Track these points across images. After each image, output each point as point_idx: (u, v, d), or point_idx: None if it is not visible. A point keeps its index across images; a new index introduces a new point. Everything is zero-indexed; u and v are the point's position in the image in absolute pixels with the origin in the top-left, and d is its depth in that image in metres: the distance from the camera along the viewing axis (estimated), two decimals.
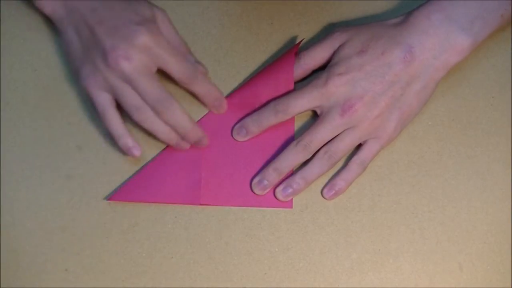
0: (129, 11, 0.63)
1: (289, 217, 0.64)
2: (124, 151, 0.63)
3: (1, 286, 0.62)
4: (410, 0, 0.69)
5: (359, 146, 0.64)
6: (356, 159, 0.64)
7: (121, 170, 0.65)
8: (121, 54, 0.60)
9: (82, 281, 0.62)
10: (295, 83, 0.66)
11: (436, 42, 0.62)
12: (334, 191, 0.64)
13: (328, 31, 0.69)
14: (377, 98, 0.62)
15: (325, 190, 0.64)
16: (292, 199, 0.64)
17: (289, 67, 0.65)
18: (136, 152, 0.63)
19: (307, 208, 0.64)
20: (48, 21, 0.67)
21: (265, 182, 0.64)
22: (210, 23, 0.70)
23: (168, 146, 0.65)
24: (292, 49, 0.66)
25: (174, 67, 0.62)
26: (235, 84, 0.68)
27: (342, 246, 0.63)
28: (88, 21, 0.62)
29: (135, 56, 0.60)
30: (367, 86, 0.62)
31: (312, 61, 0.65)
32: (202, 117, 0.66)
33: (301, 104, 0.63)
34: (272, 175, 0.64)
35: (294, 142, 0.63)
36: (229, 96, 0.67)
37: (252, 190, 0.64)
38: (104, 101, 0.62)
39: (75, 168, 0.65)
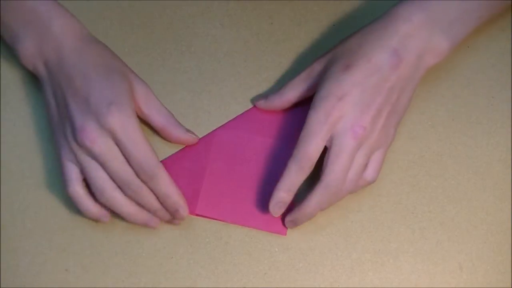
0: (104, 85, 0.60)
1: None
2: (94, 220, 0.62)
3: (1, 286, 0.62)
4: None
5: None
6: (366, 176, 0.61)
7: None
8: (88, 136, 0.58)
9: (82, 281, 0.62)
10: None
11: (419, 44, 0.60)
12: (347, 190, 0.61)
13: (328, 30, 0.69)
14: (380, 110, 0.60)
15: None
16: (287, 228, 0.63)
17: None
18: (105, 219, 0.62)
19: None
20: None
21: (292, 222, 0.62)
22: (210, 23, 0.70)
23: (177, 152, 0.65)
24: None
25: (135, 158, 0.59)
26: (235, 84, 0.68)
27: (342, 246, 0.63)
28: (63, 90, 0.61)
29: (101, 140, 0.59)
30: (369, 101, 0.59)
31: (296, 94, 0.64)
32: (213, 131, 0.66)
33: (318, 145, 0.59)
34: (301, 217, 0.62)
35: (321, 185, 0.59)
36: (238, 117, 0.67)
37: (248, 212, 0.64)
38: (70, 173, 0.60)
39: None
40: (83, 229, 0.63)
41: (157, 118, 0.64)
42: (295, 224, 0.62)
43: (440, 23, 0.61)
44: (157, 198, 0.61)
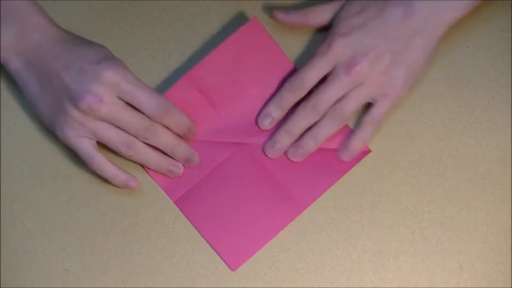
0: (91, 50, 0.61)
1: None
2: (121, 187, 0.63)
3: (1, 286, 0.62)
4: None
5: (369, 106, 0.64)
6: (369, 118, 0.64)
7: None
8: (94, 98, 0.59)
9: (82, 281, 0.62)
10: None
11: None
12: (349, 151, 0.64)
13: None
14: (381, 54, 0.62)
15: (340, 153, 0.64)
16: (241, 265, 0.63)
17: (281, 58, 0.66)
18: (133, 184, 0.63)
19: (307, 208, 0.64)
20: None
21: (278, 145, 0.64)
22: (210, 23, 0.70)
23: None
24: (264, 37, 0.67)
25: (144, 103, 0.61)
26: None
27: (342, 246, 0.63)
28: (53, 69, 0.61)
29: (106, 98, 0.59)
30: (370, 43, 0.62)
31: (317, 20, 0.66)
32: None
33: (314, 75, 0.63)
34: (284, 137, 0.64)
35: (303, 104, 0.64)
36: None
37: (265, 153, 0.64)
38: (87, 148, 0.61)
39: (75, 168, 0.65)
40: (83, 229, 0.63)
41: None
42: (280, 141, 0.64)
43: None
44: (174, 131, 0.63)
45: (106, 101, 0.59)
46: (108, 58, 0.61)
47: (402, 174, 0.65)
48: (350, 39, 0.63)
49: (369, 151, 0.65)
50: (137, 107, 0.61)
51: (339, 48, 0.63)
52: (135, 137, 0.61)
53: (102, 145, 0.62)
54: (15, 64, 0.63)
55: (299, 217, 0.64)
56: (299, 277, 0.62)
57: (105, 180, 0.64)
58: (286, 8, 0.67)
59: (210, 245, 0.63)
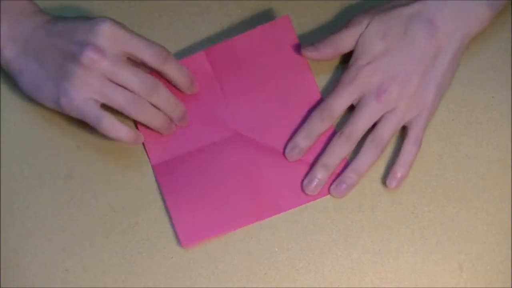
0: (83, 18, 0.62)
1: (289, 217, 0.64)
2: (129, 144, 0.63)
3: (1, 286, 0.62)
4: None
5: (405, 129, 0.64)
6: (409, 140, 0.63)
7: (121, 169, 0.65)
8: (92, 50, 0.59)
9: (82, 281, 0.62)
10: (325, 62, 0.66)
11: (456, 13, 0.63)
12: (396, 179, 0.63)
13: (328, 31, 0.69)
14: (409, 77, 0.62)
15: (388, 181, 0.64)
16: (192, 244, 0.63)
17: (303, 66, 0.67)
18: (141, 140, 0.63)
19: (307, 208, 0.64)
20: None
21: (316, 180, 0.64)
22: (210, 23, 0.70)
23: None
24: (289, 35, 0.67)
25: (145, 50, 0.61)
26: None
27: (342, 246, 0.63)
28: (50, 41, 0.61)
29: (106, 48, 0.60)
30: (397, 68, 0.62)
31: (345, 46, 0.65)
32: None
33: (342, 103, 0.64)
34: (321, 172, 0.64)
35: (337, 135, 0.63)
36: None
37: (303, 191, 0.64)
38: (94, 109, 0.60)
39: (75, 168, 0.65)
40: (83, 229, 0.63)
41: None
42: (317, 174, 0.63)
43: None
44: (172, 82, 0.64)
45: (107, 53, 0.60)
46: (102, 19, 0.61)
47: None
48: (377, 65, 0.63)
49: (328, 194, 0.64)
50: (139, 57, 0.61)
51: (367, 77, 0.63)
52: (142, 95, 0.61)
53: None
54: (8, 52, 0.63)
55: (299, 217, 0.64)
56: (299, 277, 0.62)
57: (105, 180, 0.64)
58: (309, 42, 0.66)
59: (170, 216, 0.63)
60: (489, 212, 0.64)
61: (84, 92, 0.60)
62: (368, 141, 0.63)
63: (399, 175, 0.63)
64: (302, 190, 0.64)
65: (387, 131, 0.63)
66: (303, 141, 0.64)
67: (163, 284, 0.62)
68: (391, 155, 0.65)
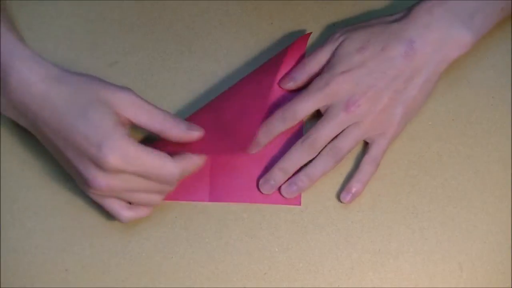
0: (86, 127, 0.56)
1: (289, 217, 0.64)
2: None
3: (1, 286, 0.62)
4: (409, 0, 0.68)
5: (367, 146, 0.64)
6: (367, 158, 0.64)
7: None
8: (100, 185, 0.57)
9: (82, 281, 0.62)
10: (301, 89, 0.65)
11: (438, 36, 0.62)
12: (351, 194, 0.63)
13: (328, 31, 0.69)
14: (380, 93, 0.62)
15: (342, 195, 0.64)
16: (300, 196, 0.64)
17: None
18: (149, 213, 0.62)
19: (307, 208, 0.64)
20: (48, 21, 0.67)
21: (272, 182, 0.64)
22: (210, 23, 0.70)
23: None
24: (301, 43, 0.66)
25: (153, 178, 0.58)
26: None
27: (342, 246, 0.63)
28: (54, 143, 0.58)
29: (112, 182, 0.57)
30: (370, 82, 0.62)
31: (317, 66, 0.65)
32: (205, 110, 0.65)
33: (307, 108, 0.63)
34: (278, 175, 0.64)
35: (300, 141, 0.63)
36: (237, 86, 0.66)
37: (259, 190, 0.64)
38: (113, 206, 0.60)
39: None
40: (83, 229, 0.63)
41: (151, 124, 0.58)
42: (274, 180, 0.64)
43: (460, 15, 0.62)
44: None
45: (113, 183, 0.57)
46: (107, 140, 0.56)
47: (402, 174, 0.65)
48: (350, 77, 0.62)
49: (300, 205, 0.64)
50: (148, 179, 0.58)
51: (338, 85, 0.62)
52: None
53: None
54: (22, 123, 0.60)
55: (299, 217, 0.64)
56: (299, 277, 0.62)
57: None
58: (309, 42, 0.67)
59: (268, 203, 0.64)
60: (489, 212, 0.64)
61: (98, 196, 0.60)
62: (326, 150, 0.63)
63: (353, 190, 0.63)
64: (257, 187, 0.64)
65: (347, 143, 0.63)
66: (262, 137, 0.64)
67: (163, 284, 0.62)
68: (392, 154, 0.65)
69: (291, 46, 0.66)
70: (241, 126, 0.62)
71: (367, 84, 0.62)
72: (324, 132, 0.63)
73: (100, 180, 0.57)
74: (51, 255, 0.63)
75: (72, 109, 0.56)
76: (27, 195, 0.64)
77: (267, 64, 0.66)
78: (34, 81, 0.57)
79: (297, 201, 0.64)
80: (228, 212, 0.64)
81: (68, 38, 0.69)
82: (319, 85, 0.63)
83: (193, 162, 0.60)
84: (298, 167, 0.64)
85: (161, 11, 0.70)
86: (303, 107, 0.63)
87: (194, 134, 0.59)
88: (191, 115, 0.64)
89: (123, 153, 0.56)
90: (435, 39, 0.62)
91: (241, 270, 0.63)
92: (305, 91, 0.64)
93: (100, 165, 0.56)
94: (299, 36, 0.67)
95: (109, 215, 0.62)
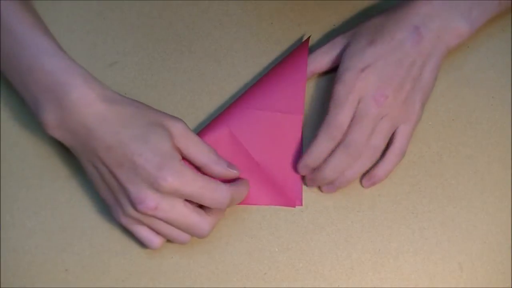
0: (146, 149, 0.57)
1: (289, 217, 0.64)
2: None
3: (1, 286, 0.62)
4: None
5: (391, 136, 0.64)
6: (394, 149, 0.63)
7: None
8: (149, 206, 0.57)
9: (82, 281, 0.62)
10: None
11: (439, 25, 0.63)
12: (372, 181, 0.64)
13: (328, 31, 0.69)
14: (402, 82, 0.62)
15: (364, 179, 0.64)
16: (302, 198, 0.64)
17: (303, 67, 0.65)
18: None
19: (307, 208, 0.64)
20: (48, 21, 0.67)
21: (315, 184, 0.64)
22: (210, 23, 0.70)
23: None
24: (303, 49, 0.66)
25: (207, 202, 0.59)
26: (235, 84, 0.68)
27: (342, 246, 0.63)
28: (105, 162, 0.58)
29: (162, 206, 0.58)
30: (391, 73, 0.62)
31: (318, 65, 0.66)
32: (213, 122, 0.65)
33: (347, 116, 0.62)
34: (319, 182, 0.64)
35: (341, 150, 0.62)
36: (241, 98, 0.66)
37: (260, 192, 0.64)
38: (145, 234, 0.60)
39: (75, 168, 0.65)
40: (83, 229, 0.63)
41: (198, 157, 0.60)
42: (314, 183, 0.64)
43: (459, 7, 0.63)
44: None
45: (162, 208, 0.58)
46: (167, 163, 0.57)
47: (402, 174, 0.65)
48: (371, 70, 0.62)
49: (302, 205, 0.65)
50: (201, 203, 0.59)
51: (363, 82, 0.62)
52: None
53: None
54: (69, 142, 0.60)
55: (299, 217, 0.64)
56: (299, 277, 0.62)
57: None
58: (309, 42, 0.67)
59: (268, 205, 0.64)
60: (489, 212, 0.64)
61: (134, 221, 0.60)
62: (365, 152, 0.62)
63: (376, 178, 0.64)
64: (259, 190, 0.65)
65: (382, 140, 0.62)
66: (313, 162, 0.63)
67: (163, 284, 0.62)
68: None
69: (292, 54, 0.66)
70: (284, 179, 0.65)
71: (389, 75, 0.62)
72: (362, 135, 0.62)
73: (151, 199, 0.57)
74: (51, 255, 0.63)
75: (131, 129, 0.57)
76: (27, 195, 0.64)
77: (273, 83, 0.66)
78: (94, 100, 0.57)
79: (298, 202, 0.64)
80: (228, 212, 0.64)
81: (68, 38, 0.69)
82: (346, 88, 0.62)
83: (241, 190, 0.61)
84: (340, 173, 0.63)
85: (161, 11, 0.70)
86: (343, 116, 0.62)
87: (234, 172, 0.61)
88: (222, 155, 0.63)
89: (181, 174, 0.57)
90: (437, 27, 0.63)
91: (241, 270, 0.63)
92: (333, 102, 0.62)
93: (156, 185, 0.57)
94: (299, 44, 0.67)
95: (109, 215, 0.62)
